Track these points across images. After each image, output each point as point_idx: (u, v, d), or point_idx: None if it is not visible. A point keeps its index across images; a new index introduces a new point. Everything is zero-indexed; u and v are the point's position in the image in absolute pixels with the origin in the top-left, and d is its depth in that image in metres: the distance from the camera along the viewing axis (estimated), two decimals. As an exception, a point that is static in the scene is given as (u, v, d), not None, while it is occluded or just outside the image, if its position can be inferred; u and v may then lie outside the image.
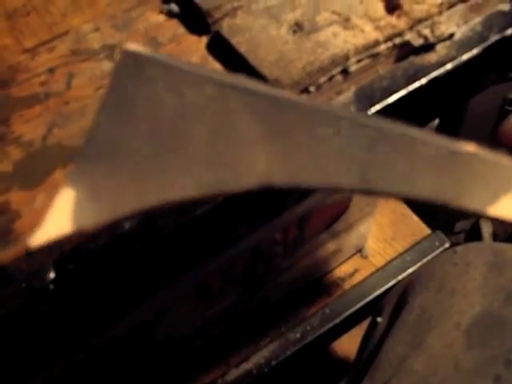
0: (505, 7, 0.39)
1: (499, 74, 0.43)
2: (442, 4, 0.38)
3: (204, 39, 0.38)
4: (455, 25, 0.38)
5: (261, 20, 0.37)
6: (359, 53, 0.36)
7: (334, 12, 0.37)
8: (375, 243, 0.77)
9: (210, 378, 0.66)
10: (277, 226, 0.54)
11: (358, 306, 0.71)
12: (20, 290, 0.29)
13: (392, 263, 0.74)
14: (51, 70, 0.37)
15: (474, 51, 0.38)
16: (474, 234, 0.89)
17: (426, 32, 0.37)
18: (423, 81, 0.36)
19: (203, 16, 0.37)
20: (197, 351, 0.66)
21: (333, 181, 0.21)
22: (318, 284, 0.74)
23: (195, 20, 0.38)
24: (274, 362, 0.66)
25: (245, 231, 0.39)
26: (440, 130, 0.89)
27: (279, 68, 0.35)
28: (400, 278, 0.72)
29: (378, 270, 0.73)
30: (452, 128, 0.89)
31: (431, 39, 0.37)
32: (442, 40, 0.37)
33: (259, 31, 0.36)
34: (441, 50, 0.37)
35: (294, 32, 0.36)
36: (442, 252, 0.73)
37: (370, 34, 0.36)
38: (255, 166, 0.21)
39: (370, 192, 0.21)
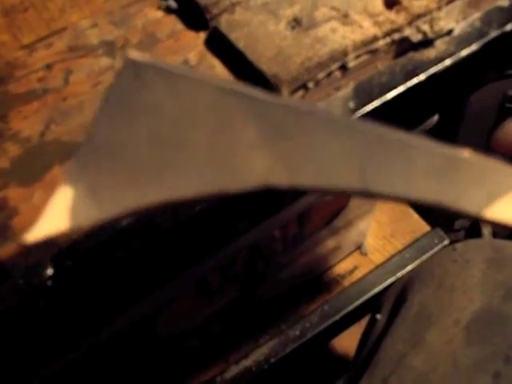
0: (504, 3, 0.39)
1: (498, 71, 0.43)
2: (440, -1, 0.38)
3: (202, 35, 0.38)
4: (454, 20, 0.38)
5: (259, 15, 0.37)
6: (358, 48, 0.36)
7: (332, 7, 0.37)
8: (374, 240, 0.77)
9: (209, 375, 0.66)
10: (276, 222, 0.54)
11: (358, 303, 0.71)
12: (18, 286, 0.29)
13: (391, 260, 0.73)
14: (49, 66, 0.37)
15: (473, 47, 0.38)
16: (474, 232, 0.89)
17: (425, 28, 0.37)
18: (422, 77, 0.36)
19: (201, 12, 0.37)
20: (196, 348, 0.66)
21: (331, 183, 0.21)
22: (318, 281, 0.74)
23: (193, 16, 0.38)
24: (273, 359, 0.66)
25: (244, 228, 0.39)
26: (439, 126, 0.89)
27: (278, 64, 0.34)
28: (399, 275, 0.72)
29: (377, 267, 0.73)
30: (452, 125, 0.89)
31: (430, 35, 0.37)
32: (440, 36, 0.37)
33: (257, 27, 0.36)
34: (440, 45, 0.37)
35: (293, 28, 0.36)
36: (441, 249, 0.73)
37: (369, 29, 0.36)
38: (255, 168, 0.21)
39: (368, 195, 0.21)
